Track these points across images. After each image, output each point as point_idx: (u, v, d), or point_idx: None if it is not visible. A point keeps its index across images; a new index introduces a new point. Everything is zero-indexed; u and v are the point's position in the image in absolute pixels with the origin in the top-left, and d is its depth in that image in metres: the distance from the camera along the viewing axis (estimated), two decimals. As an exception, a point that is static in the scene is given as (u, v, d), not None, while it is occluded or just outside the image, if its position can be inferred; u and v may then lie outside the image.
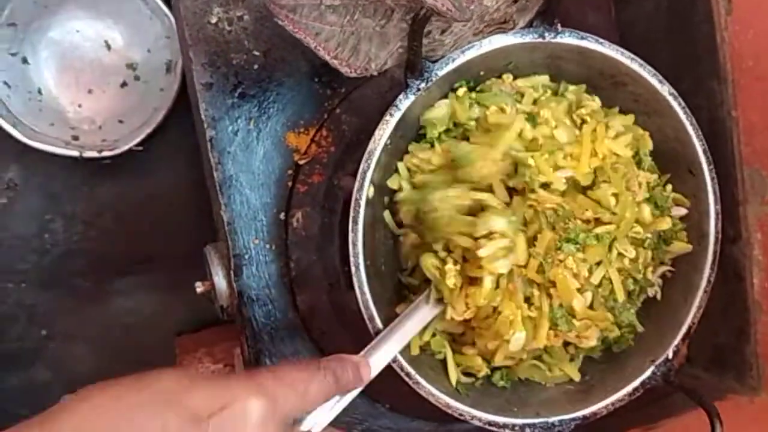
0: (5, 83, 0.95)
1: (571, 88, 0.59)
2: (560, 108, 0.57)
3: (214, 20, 0.63)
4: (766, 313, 0.73)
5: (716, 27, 0.72)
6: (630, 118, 0.60)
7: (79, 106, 1.00)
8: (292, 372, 0.44)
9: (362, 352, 0.51)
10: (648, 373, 0.57)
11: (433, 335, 0.58)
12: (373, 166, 0.52)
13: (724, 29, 0.72)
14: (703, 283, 0.57)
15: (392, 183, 0.58)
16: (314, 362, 0.46)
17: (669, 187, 0.61)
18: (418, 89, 0.51)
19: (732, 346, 0.77)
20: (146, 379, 0.39)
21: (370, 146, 0.52)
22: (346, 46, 0.48)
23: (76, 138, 0.98)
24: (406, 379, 0.53)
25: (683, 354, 0.86)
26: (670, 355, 0.57)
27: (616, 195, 0.55)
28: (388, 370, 0.53)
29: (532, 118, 0.56)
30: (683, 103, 0.56)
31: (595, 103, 0.59)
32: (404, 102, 0.51)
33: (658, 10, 0.80)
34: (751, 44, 0.69)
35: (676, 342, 0.57)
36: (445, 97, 0.58)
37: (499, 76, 0.58)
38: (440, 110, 0.56)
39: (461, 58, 0.52)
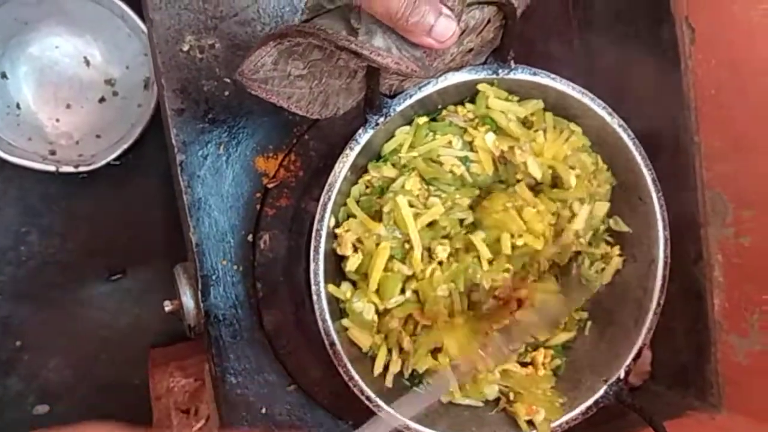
0: (-17, 98, 0.96)
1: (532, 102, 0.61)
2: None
3: (186, 48, 0.65)
4: (727, 333, 0.75)
5: (681, 55, 0.74)
6: (587, 141, 0.61)
7: (57, 120, 1.01)
8: None
9: None
10: (601, 392, 0.58)
11: None
12: (333, 198, 0.53)
13: (688, 57, 0.74)
14: (653, 306, 0.59)
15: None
16: None
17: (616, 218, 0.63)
18: (377, 124, 0.53)
19: (694, 365, 0.79)
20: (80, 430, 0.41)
21: (330, 179, 0.53)
22: (316, 102, 0.51)
23: (53, 152, 0.99)
24: (367, 403, 0.54)
25: (647, 371, 0.88)
26: (622, 375, 0.59)
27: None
28: (349, 390, 0.54)
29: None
30: (632, 135, 0.58)
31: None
32: (363, 136, 0.53)
33: (625, 38, 0.82)
34: (713, 72, 0.72)
35: (627, 362, 0.59)
36: (408, 123, 0.59)
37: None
38: (399, 139, 0.58)
39: (418, 94, 0.53)
